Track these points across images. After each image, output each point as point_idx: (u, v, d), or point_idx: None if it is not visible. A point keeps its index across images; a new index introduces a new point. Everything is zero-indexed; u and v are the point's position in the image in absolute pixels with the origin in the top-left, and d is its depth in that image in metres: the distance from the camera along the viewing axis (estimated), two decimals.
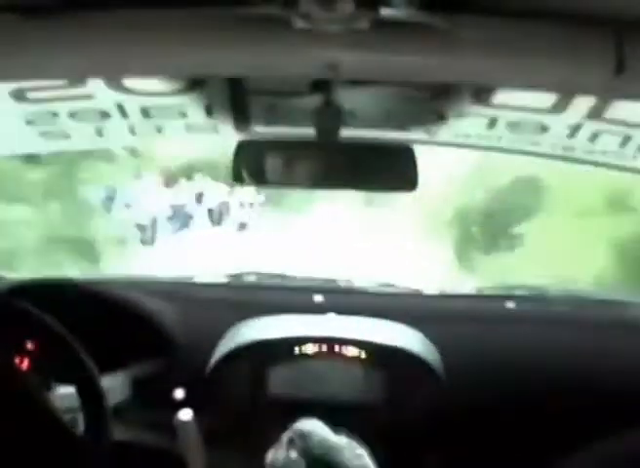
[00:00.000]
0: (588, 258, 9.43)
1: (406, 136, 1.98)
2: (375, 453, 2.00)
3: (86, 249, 10.56)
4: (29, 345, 1.71)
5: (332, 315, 2.12)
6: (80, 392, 1.64)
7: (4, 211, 9.71)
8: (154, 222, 14.11)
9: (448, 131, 1.98)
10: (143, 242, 13.68)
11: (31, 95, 1.75)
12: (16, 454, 0.91)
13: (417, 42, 1.29)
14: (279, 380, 2.01)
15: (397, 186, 1.89)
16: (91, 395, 1.65)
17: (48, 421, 0.99)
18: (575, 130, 1.87)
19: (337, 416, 1.98)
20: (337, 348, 2.00)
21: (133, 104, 1.85)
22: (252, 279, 2.42)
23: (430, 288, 2.35)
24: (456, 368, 2.00)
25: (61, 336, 1.66)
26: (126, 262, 11.42)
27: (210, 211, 16.52)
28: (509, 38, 1.27)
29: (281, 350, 2.00)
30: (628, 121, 1.78)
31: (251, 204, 16.97)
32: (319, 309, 2.14)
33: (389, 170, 1.84)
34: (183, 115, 1.93)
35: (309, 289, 2.29)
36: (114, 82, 1.72)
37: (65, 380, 1.65)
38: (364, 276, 2.48)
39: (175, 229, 15.08)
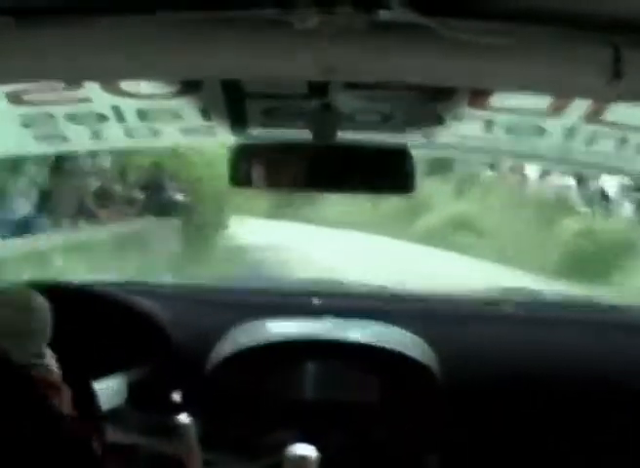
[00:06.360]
0: None
1: (403, 138, 1.98)
2: (374, 454, 2.01)
3: None
4: None
5: (329, 318, 2.11)
6: (74, 395, 1.63)
7: None
8: None
9: (445, 133, 1.98)
10: None
11: (28, 97, 1.75)
12: (11, 453, 0.91)
13: (414, 45, 1.29)
14: (277, 383, 2.01)
15: (395, 189, 1.89)
16: (85, 398, 1.64)
17: (46, 421, 0.99)
18: (572, 132, 1.87)
19: (334, 419, 1.98)
20: (334, 351, 2.00)
21: (129, 107, 1.84)
22: (250, 281, 2.42)
23: (428, 291, 2.35)
24: (452, 370, 2.00)
25: (57, 339, 1.65)
26: None
27: None
28: (507, 41, 1.27)
29: (279, 353, 2.00)
30: (625, 124, 1.78)
31: None
32: (316, 311, 2.14)
33: (387, 172, 1.84)
34: (180, 118, 1.92)
35: (307, 291, 2.28)
36: (111, 85, 1.71)
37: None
38: (360, 278, 2.49)
39: None
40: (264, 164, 1.86)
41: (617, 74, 1.24)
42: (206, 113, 1.89)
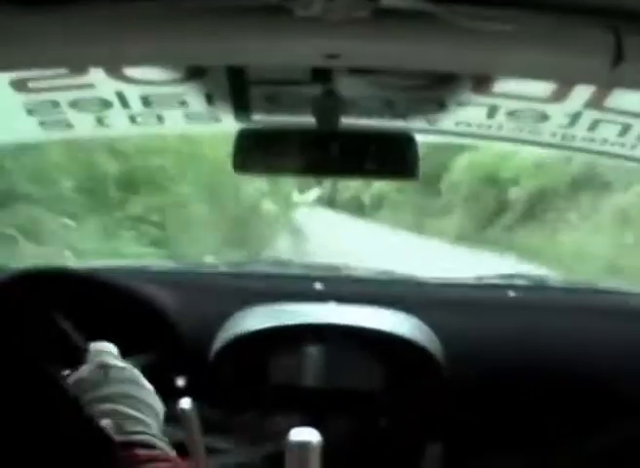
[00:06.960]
0: None
1: (406, 124, 1.99)
2: (375, 441, 2.02)
3: None
4: (29, 335, 1.71)
5: (332, 304, 2.12)
6: None
7: None
8: None
9: (448, 119, 1.98)
10: None
11: (32, 84, 1.75)
12: (20, 442, 0.92)
13: (417, 31, 1.29)
14: (280, 369, 2.02)
15: (398, 174, 1.90)
16: None
17: (57, 409, 1.00)
18: (574, 118, 1.87)
19: (337, 405, 2.00)
20: (337, 336, 2.00)
21: (133, 93, 1.85)
22: (253, 267, 2.42)
23: (431, 276, 2.36)
24: (456, 356, 2.01)
25: (60, 325, 1.66)
26: None
27: None
28: (509, 28, 1.27)
29: (282, 339, 2.01)
30: (628, 110, 1.78)
31: None
32: (319, 297, 2.15)
33: (390, 157, 1.84)
34: (184, 104, 1.93)
35: (310, 276, 2.29)
36: (115, 71, 1.72)
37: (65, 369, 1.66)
38: (365, 263, 2.49)
39: None
40: (268, 150, 1.87)
41: (618, 60, 1.25)
42: (210, 99, 1.90)
